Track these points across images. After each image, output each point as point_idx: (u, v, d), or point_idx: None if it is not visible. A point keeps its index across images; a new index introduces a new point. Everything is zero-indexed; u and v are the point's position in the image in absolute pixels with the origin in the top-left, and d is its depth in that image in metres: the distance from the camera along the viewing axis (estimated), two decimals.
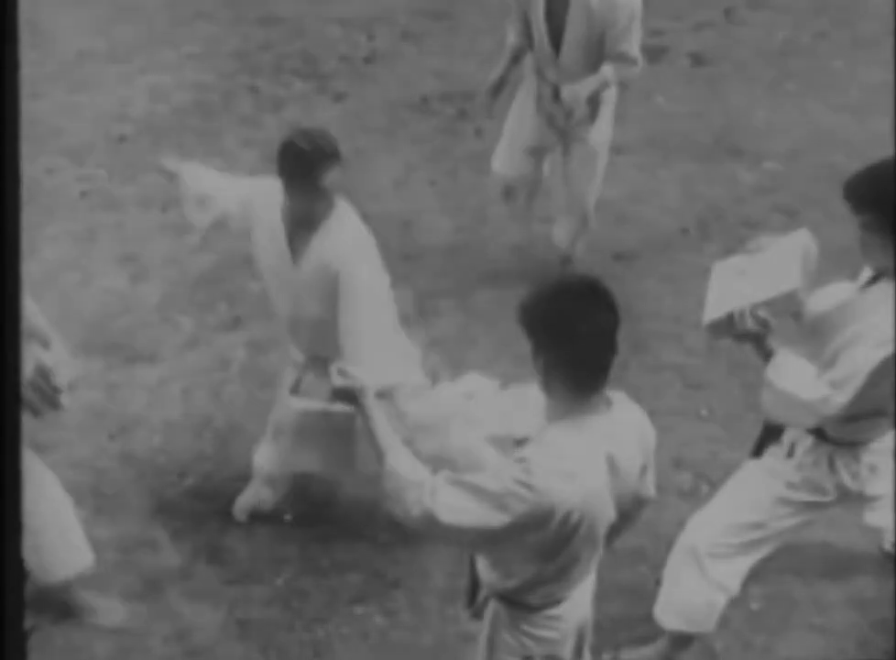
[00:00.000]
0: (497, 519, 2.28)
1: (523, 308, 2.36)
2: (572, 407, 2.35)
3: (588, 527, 2.36)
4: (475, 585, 2.66)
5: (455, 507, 2.29)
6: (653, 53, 6.64)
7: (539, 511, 2.28)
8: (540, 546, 2.35)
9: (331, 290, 3.22)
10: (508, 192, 4.80)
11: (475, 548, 2.52)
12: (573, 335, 2.29)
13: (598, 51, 4.28)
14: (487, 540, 2.35)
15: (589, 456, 2.33)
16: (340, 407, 2.67)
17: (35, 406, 3.01)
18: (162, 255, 5.13)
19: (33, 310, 3.07)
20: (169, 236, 5.28)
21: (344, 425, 2.89)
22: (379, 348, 3.17)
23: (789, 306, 2.89)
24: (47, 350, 3.02)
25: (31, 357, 2.97)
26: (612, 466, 2.36)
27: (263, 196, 3.37)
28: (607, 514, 2.41)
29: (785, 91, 6.30)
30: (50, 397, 3.01)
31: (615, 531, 2.55)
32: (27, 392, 3.00)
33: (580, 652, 2.72)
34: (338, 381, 2.49)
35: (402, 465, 2.38)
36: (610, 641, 3.36)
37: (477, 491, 2.30)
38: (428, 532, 2.39)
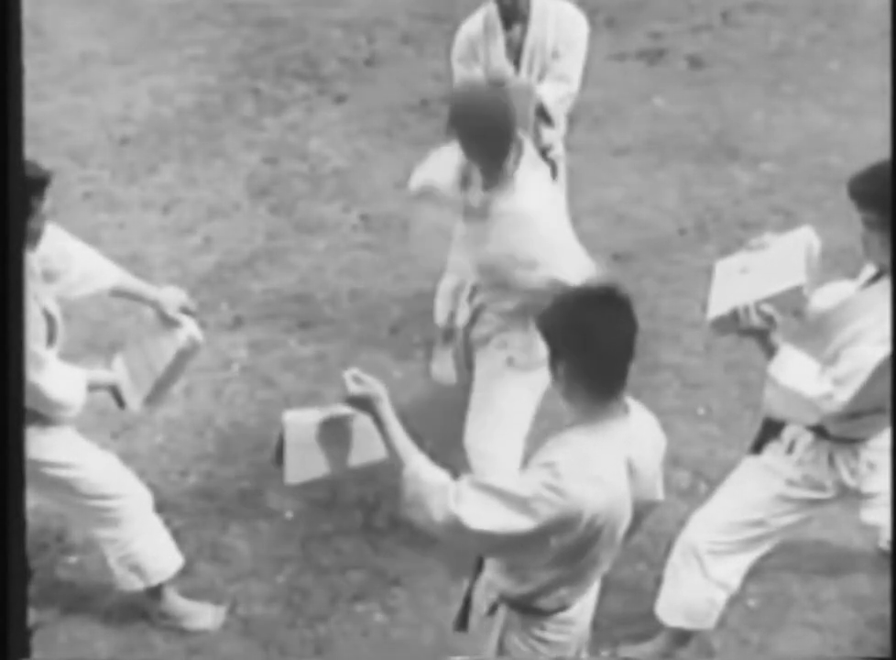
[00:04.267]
0: (525, 523, 2.27)
1: (543, 315, 2.37)
2: (593, 412, 2.35)
3: (610, 531, 2.37)
4: (469, 599, 2.67)
5: (482, 512, 2.28)
6: (651, 56, 6.69)
7: (566, 516, 2.28)
8: (563, 551, 2.35)
9: None
10: None
11: (500, 553, 2.48)
12: (593, 342, 2.29)
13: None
14: (514, 545, 2.34)
15: (612, 460, 2.35)
16: (335, 410, 2.66)
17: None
18: (164, 255, 5.16)
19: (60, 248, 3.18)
20: (170, 236, 5.32)
21: (341, 428, 2.86)
22: None
23: (793, 302, 2.90)
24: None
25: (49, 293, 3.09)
26: (631, 470, 2.38)
27: None
28: (627, 518, 2.42)
29: (782, 93, 6.32)
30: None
31: (626, 534, 2.57)
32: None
33: (577, 650, 2.74)
34: (353, 389, 2.44)
35: (423, 470, 2.35)
36: (609, 637, 3.37)
37: (504, 496, 2.29)
38: (453, 537, 2.36)
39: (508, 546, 2.35)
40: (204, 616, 3.51)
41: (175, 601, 3.49)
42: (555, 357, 2.34)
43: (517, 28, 4.19)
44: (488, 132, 3.23)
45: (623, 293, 2.34)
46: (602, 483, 2.30)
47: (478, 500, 2.29)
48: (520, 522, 2.27)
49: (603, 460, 2.32)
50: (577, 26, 4.22)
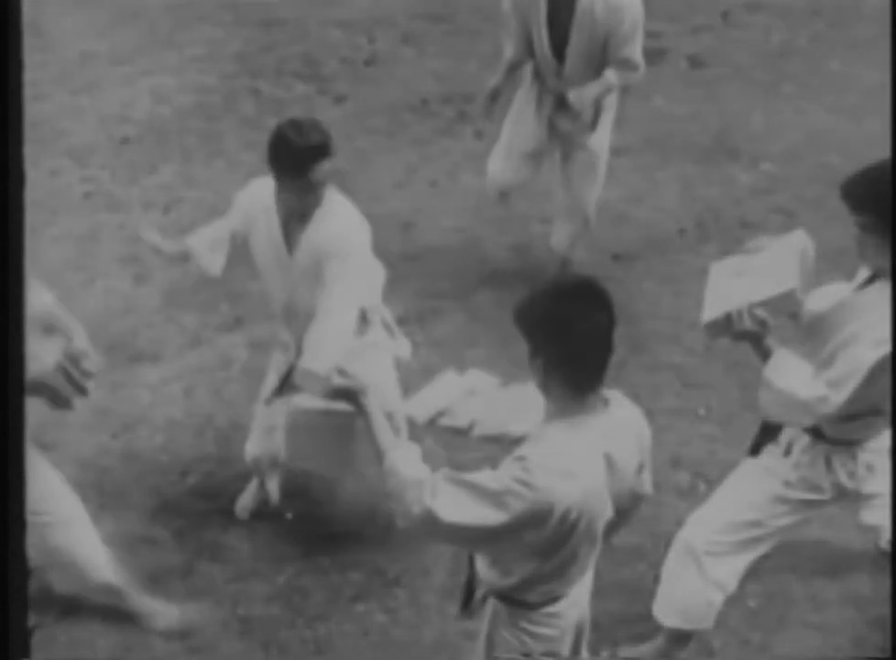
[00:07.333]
0: (495, 517, 2.30)
1: (520, 309, 2.37)
2: (569, 406, 2.36)
3: (587, 525, 2.38)
4: (471, 585, 2.68)
5: (455, 505, 2.31)
6: (652, 55, 6.65)
7: (538, 510, 2.30)
8: (539, 544, 2.37)
9: (321, 277, 3.30)
10: (503, 197, 4.85)
11: (474, 547, 2.53)
12: (570, 336, 2.30)
13: (601, 58, 4.33)
14: (486, 538, 2.37)
15: (587, 455, 2.36)
16: (341, 406, 2.69)
17: (62, 394, 3.02)
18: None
19: (52, 303, 3.11)
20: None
21: (343, 424, 2.92)
22: (334, 335, 3.25)
23: (787, 306, 2.91)
24: (71, 341, 3.05)
25: (55, 347, 3.00)
26: (610, 464, 2.39)
27: (258, 195, 3.42)
28: (605, 512, 2.44)
29: (782, 93, 6.33)
30: (79, 382, 3.02)
31: (613, 528, 2.58)
32: (55, 380, 3.01)
33: (578, 648, 2.75)
34: (338, 381, 2.50)
35: (403, 463, 2.39)
36: (609, 638, 3.37)
37: (476, 489, 2.32)
38: (428, 530, 2.40)
39: (482, 540, 2.38)
40: (169, 616, 3.49)
41: (137, 601, 3.46)
42: (532, 351, 2.36)
43: (563, 12, 4.24)
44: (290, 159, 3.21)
45: (599, 286, 2.34)
46: (575, 477, 2.31)
47: (452, 493, 2.32)
48: (492, 516, 2.30)
49: (577, 454, 2.33)
50: (632, 7, 4.25)
